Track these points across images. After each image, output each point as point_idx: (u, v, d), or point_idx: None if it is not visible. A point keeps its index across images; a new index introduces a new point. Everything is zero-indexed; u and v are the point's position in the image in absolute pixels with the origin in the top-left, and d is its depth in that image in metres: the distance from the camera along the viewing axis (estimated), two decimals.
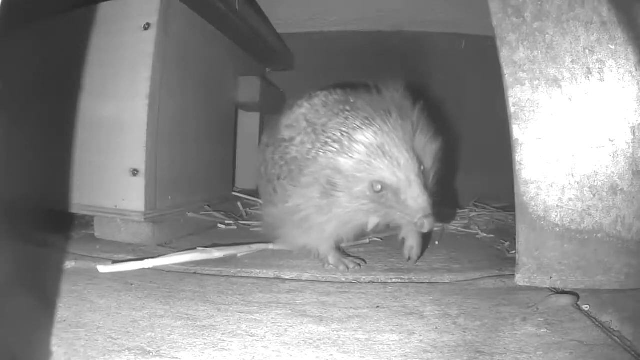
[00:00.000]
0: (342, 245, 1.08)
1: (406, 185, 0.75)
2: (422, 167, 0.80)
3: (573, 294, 0.72)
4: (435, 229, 1.30)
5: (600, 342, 0.57)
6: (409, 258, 0.95)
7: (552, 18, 0.77)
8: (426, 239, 1.05)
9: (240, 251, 1.00)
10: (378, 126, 0.77)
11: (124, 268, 0.86)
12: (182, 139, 1.20)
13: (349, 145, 0.77)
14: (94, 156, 1.07)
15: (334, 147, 0.78)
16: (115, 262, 0.88)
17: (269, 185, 0.90)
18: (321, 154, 0.79)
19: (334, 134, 0.78)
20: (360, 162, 0.76)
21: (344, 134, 0.78)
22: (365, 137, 0.76)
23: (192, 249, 0.97)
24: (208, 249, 0.96)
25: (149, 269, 0.87)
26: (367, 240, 1.13)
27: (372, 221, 0.85)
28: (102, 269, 0.84)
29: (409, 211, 0.75)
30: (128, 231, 1.07)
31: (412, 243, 0.96)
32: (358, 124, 0.77)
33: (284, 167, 0.85)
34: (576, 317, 0.65)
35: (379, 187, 0.76)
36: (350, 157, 0.77)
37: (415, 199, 0.75)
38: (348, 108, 0.81)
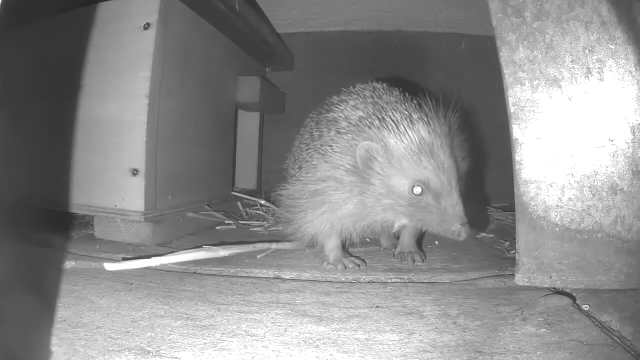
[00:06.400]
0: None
1: (448, 192, 0.74)
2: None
3: (569, 295, 0.72)
4: None
5: (600, 342, 0.57)
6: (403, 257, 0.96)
7: (552, 18, 0.77)
8: (419, 242, 1.06)
9: (245, 250, 1.00)
10: (433, 126, 0.77)
11: (133, 266, 0.86)
12: (182, 139, 1.20)
13: (406, 131, 0.76)
14: (94, 156, 1.08)
15: (391, 126, 0.77)
16: (125, 259, 0.88)
17: (301, 157, 0.90)
18: (377, 123, 0.77)
19: (394, 115, 0.78)
20: (410, 152, 0.75)
21: (406, 119, 0.77)
22: (422, 131, 0.76)
23: (199, 247, 0.96)
24: (214, 247, 0.96)
25: (148, 268, 0.87)
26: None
27: (400, 223, 0.82)
28: (110, 266, 0.83)
29: (448, 218, 0.74)
30: (128, 231, 1.07)
31: (410, 249, 0.97)
32: (420, 116, 0.78)
33: (324, 128, 0.84)
34: (576, 317, 0.65)
35: (420, 190, 0.75)
36: (402, 141, 0.76)
37: (454, 206, 0.74)
38: (414, 101, 0.83)
